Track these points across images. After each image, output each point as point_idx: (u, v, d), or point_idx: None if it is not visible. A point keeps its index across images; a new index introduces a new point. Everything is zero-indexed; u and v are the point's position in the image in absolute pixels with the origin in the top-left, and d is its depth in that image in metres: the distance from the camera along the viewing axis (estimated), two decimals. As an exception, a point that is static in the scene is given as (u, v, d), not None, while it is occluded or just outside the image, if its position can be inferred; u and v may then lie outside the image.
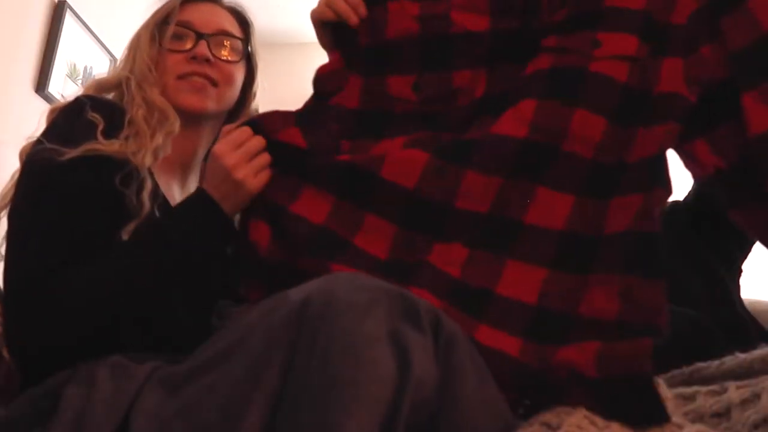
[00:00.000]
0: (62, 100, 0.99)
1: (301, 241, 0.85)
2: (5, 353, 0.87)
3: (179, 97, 0.99)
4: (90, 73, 2.54)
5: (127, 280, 0.81)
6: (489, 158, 0.81)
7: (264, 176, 0.88)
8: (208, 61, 1.01)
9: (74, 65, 2.44)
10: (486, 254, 0.79)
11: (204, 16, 1.04)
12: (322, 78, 0.96)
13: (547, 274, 0.77)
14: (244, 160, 0.86)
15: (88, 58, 2.53)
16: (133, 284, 0.81)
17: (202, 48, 1.01)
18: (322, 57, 1.00)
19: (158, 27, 1.02)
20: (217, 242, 0.90)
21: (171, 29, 1.01)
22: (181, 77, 1.00)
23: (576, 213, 0.78)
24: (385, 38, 0.94)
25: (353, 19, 0.94)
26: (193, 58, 1.00)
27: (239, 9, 1.11)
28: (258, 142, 0.88)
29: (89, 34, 2.52)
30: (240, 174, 0.86)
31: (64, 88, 2.36)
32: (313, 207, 0.87)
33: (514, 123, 0.81)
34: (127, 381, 0.69)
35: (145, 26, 1.03)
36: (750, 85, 0.76)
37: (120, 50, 2.83)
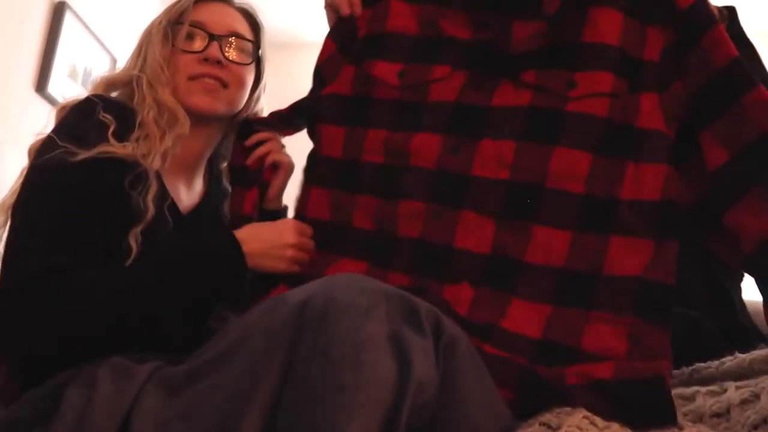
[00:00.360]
0: (69, 99, 0.98)
1: None
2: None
3: (190, 98, 0.99)
4: (90, 73, 2.53)
5: (134, 298, 0.81)
6: (479, 199, 0.84)
7: (295, 269, 0.94)
8: (219, 62, 1.01)
9: (74, 65, 2.44)
10: (491, 294, 0.81)
11: (216, 17, 1.04)
12: (320, 67, 1.02)
13: (551, 311, 0.79)
14: (299, 248, 0.94)
15: (88, 58, 2.53)
16: (136, 299, 0.82)
17: (214, 50, 1.01)
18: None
19: (171, 26, 1.01)
20: (224, 292, 0.91)
21: (184, 30, 1.01)
22: (192, 78, 1.00)
23: (574, 249, 0.80)
24: (384, 30, 0.98)
25: (344, 10, 1.02)
26: (205, 59, 1.00)
27: (250, 11, 1.10)
28: (311, 244, 0.96)
29: (89, 34, 2.52)
30: (289, 252, 0.93)
31: (64, 88, 2.35)
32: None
33: (494, 166, 0.84)
34: (128, 382, 0.69)
35: (157, 24, 1.02)
36: (705, 123, 0.81)
37: (120, 50, 2.82)
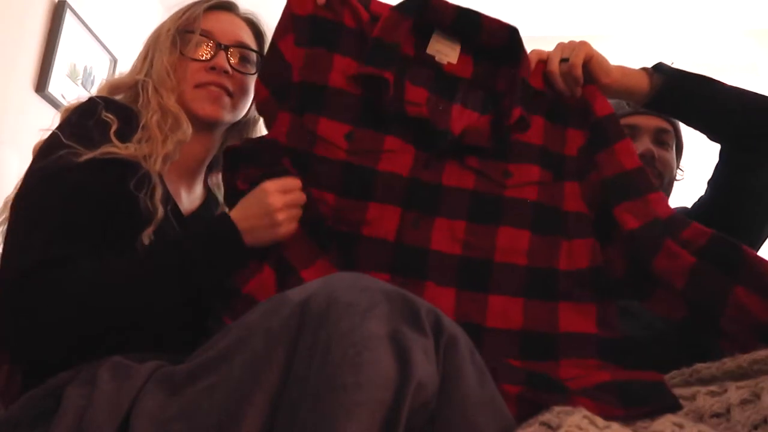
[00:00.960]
0: (73, 101, 0.99)
1: None
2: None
3: (196, 104, 1.01)
4: (90, 73, 2.53)
5: (132, 288, 0.82)
6: (439, 272, 0.91)
7: (294, 227, 0.92)
8: (226, 72, 1.02)
9: (74, 65, 2.44)
10: None
11: (223, 26, 1.06)
12: (258, 110, 1.00)
13: (521, 364, 0.86)
14: (288, 206, 0.91)
15: (88, 58, 2.53)
16: (135, 291, 0.82)
17: (221, 59, 1.03)
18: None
19: (179, 34, 1.03)
20: (225, 273, 0.90)
21: (193, 38, 1.02)
22: (198, 86, 1.02)
23: (528, 314, 0.91)
24: (325, 83, 0.97)
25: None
26: (212, 68, 1.02)
27: (255, 21, 1.12)
28: (302, 197, 0.93)
29: (89, 34, 2.52)
30: (281, 216, 0.90)
31: (64, 88, 2.36)
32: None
33: (449, 241, 0.93)
34: (128, 381, 0.69)
35: (165, 31, 1.03)
36: (616, 202, 0.98)
37: (120, 50, 2.80)
